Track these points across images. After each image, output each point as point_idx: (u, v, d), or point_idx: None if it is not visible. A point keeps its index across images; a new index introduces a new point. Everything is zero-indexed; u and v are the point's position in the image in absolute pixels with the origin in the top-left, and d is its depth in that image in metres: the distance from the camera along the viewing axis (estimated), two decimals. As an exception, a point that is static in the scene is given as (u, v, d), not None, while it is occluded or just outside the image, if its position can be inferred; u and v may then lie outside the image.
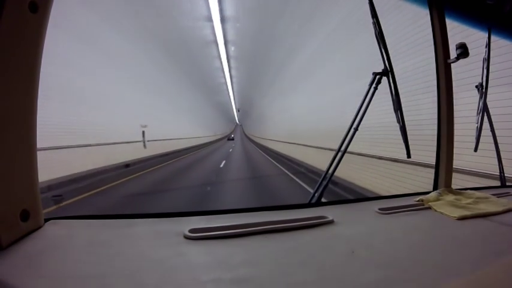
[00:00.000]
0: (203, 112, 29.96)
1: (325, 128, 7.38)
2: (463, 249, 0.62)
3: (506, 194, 1.12)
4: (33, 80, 0.54)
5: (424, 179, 3.43)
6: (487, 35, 1.39)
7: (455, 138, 1.16)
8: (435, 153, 1.19)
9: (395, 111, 1.10)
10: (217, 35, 10.86)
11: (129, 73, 9.84)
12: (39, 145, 0.56)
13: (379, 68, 1.10)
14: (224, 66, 15.51)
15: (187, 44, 11.48)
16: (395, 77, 1.08)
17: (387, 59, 1.07)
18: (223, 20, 9.18)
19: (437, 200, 0.98)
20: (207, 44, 12.34)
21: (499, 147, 1.52)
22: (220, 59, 14.15)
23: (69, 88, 6.44)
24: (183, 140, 19.59)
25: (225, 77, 19.44)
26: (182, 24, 9.21)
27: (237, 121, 67.78)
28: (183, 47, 11.37)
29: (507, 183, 1.45)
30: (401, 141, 1.11)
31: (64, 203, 4.36)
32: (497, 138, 1.52)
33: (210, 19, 8.73)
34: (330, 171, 1.08)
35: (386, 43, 1.07)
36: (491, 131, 1.51)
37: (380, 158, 4.69)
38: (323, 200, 1.00)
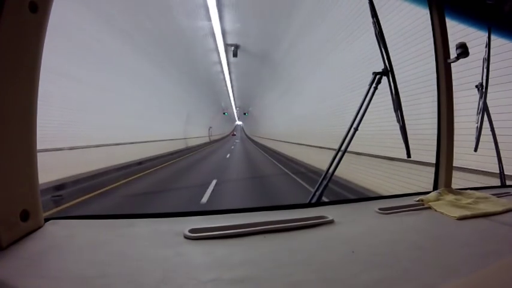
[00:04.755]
0: (203, 113, 26.72)
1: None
2: (463, 249, 0.62)
3: (506, 194, 1.12)
4: (33, 80, 0.54)
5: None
6: (487, 35, 1.39)
7: (455, 137, 1.16)
8: (435, 152, 1.19)
9: (395, 111, 1.10)
10: (217, 38, 10.86)
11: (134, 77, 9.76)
12: (39, 146, 0.56)
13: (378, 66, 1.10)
14: (224, 66, 14.91)
15: (188, 47, 11.33)
16: (395, 76, 1.08)
17: (387, 58, 1.06)
18: (222, 21, 9.17)
19: (438, 200, 0.98)
20: (208, 48, 12.27)
21: (499, 147, 1.52)
22: (220, 60, 13.81)
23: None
24: (188, 139, 20.00)
25: (224, 77, 18.36)
26: (182, 26, 9.10)
27: (237, 120, 64.91)
28: (183, 49, 11.17)
29: (507, 183, 1.45)
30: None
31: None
32: (497, 138, 1.53)
33: (209, 19, 8.72)
34: (330, 170, 1.08)
35: (386, 42, 1.07)
36: (491, 130, 1.51)
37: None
38: (323, 199, 1.00)
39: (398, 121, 1.10)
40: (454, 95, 1.17)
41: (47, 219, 0.62)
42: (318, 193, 1.02)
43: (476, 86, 1.47)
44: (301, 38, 7.57)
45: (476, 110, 1.45)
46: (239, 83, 18.04)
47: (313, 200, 0.98)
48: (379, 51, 1.08)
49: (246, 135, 51.47)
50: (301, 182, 6.64)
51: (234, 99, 26.84)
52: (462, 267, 0.54)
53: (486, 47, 1.42)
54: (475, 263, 0.55)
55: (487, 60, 1.44)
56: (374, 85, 1.08)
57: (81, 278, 0.44)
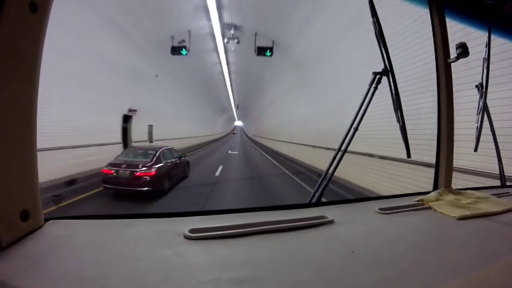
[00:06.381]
0: (202, 113, 22.83)
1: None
2: (463, 249, 0.62)
3: (506, 194, 1.12)
4: (33, 80, 0.54)
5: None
6: (487, 35, 1.39)
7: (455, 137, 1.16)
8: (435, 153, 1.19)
9: (396, 111, 1.09)
10: (218, 45, 10.55)
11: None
12: (39, 145, 0.56)
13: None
14: (222, 61, 13.88)
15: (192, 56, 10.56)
16: (395, 76, 1.08)
17: (387, 58, 1.06)
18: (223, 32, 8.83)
19: (438, 200, 0.98)
20: (209, 52, 11.80)
21: (499, 147, 1.52)
22: (218, 54, 12.89)
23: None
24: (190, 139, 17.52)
25: (223, 73, 15.43)
26: (181, 27, 8.87)
27: (236, 119, 61.44)
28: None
29: (507, 183, 1.45)
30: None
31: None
32: (497, 138, 1.52)
33: (209, 19, 8.66)
34: (330, 171, 1.08)
35: (386, 42, 1.07)
36: (491, 130, 1.51)
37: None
38: (323, 200, 1.00)
39: (398, 121, 1.10)
40: (454, 95, 1.17)
41: (46, 219, 0.62)
42: (317, 193, 1.01)
43: (476, 86, 1.47)
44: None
45: (476, 110, 1.45)
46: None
47: (313, 200, 0.98)
48: (379, 51, 1.08)
49: (247, 136, 49.60)
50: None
51: (233, 100, 17.07)
52: (462, 267, 0.54)
53: (486, 47, 1.42)
54: (475, 263, 0.55)
55: (487, 60, 1.43)
56: (374, 85, 1.07)
57: (81, 278, 0.44)
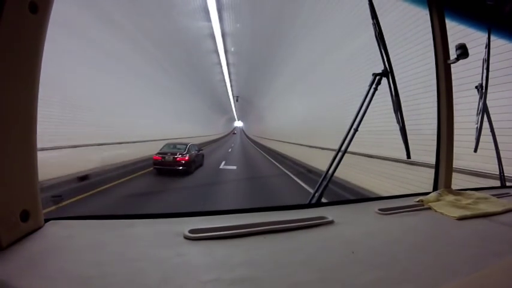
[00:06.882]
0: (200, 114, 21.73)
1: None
2: (463, 249, 0.63)
3: (506, 195, 1.12)
4: (33, 80, 0.54)
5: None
6: (487, 35, 1.39)
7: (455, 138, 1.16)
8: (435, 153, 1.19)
9: (395, 112, 1.09)
10: (218, 47, 10.55)
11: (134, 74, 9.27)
12: (39, 145, 0.56)
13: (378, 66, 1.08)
14: (222, 61, 13.28)
15: (188, 51, 10.50)
16: (395, 77, 1.08)
17: (387, 59, 1.06)
18: (223, 31, 8.89)
19: (438, 200, 0.98)
20: (208, 52, 11.74)
21: (499, 148, 1.53)
22: (218, 54, 12.82)
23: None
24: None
25: (222, 70, 14.94)
26: (181, 26, 8.91)
27: (236, 118, 57.98)
28: (181, 47, 10.62)
29: (507, 184, 1.45)
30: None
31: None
32: (497, 138, 1.53)
33: (208, 19, 8.69)
34: (330, 171, 1.08)
35: (386, 43, 1.07)
36: (491, 131, 1.51)
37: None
38: (323, 200, 1.00)
39: (398, 122, 1.10)
40: (454, 95, 1.17)
41: (47, 220, 0.62)
42: (317, 194, 1.01)
43: (476, 87, 1.48)
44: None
45: (476, 110, 1.45)
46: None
47: (313, 201, 0.98)
48: (378, 52, 1.08)
49: (248, 137, 48.32)
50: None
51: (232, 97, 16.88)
52: (462, 267, 0.54)
53: (486, 47, 1.42)
54: (475, 264, 0.55)
55: (487, 61, 1.44)
56: (374, 86, 1.07)
57: (81, 279, 0.44)
